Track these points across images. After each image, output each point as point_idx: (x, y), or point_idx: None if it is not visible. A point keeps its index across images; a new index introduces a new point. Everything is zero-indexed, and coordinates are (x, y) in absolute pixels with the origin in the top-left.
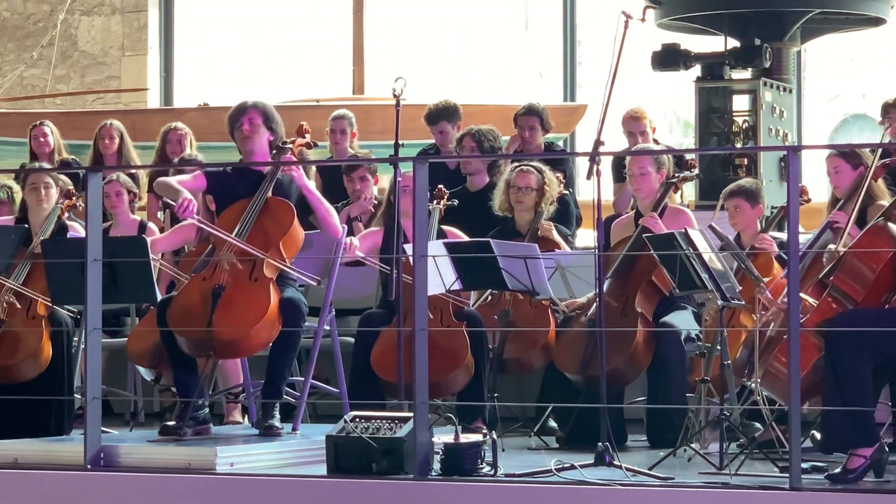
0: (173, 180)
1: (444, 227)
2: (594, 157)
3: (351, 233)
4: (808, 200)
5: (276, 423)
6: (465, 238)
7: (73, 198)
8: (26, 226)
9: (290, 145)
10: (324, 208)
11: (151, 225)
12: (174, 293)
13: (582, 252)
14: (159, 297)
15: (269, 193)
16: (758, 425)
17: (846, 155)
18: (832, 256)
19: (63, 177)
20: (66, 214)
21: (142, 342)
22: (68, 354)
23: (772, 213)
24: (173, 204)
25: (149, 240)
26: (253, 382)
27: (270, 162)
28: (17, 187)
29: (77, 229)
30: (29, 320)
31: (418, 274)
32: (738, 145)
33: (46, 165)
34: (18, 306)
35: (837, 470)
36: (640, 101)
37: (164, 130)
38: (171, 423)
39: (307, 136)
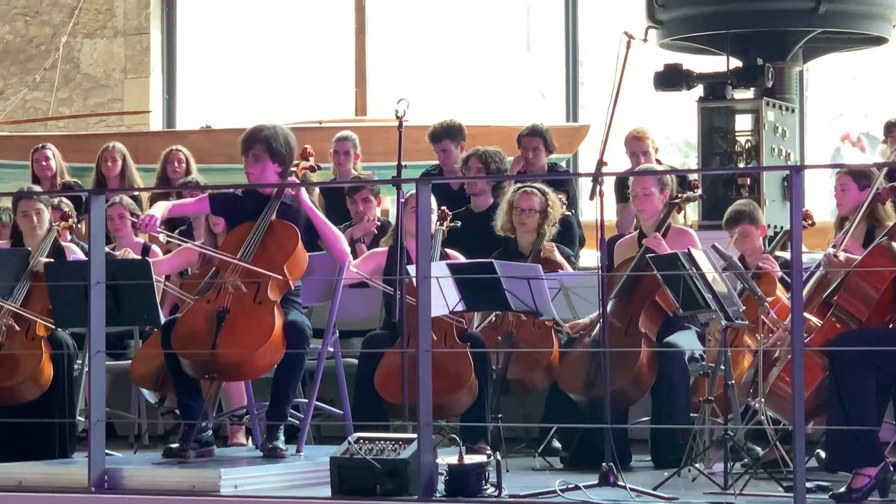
0: (163, 204)
1: (447, 251)
2: (597, 177)
3: (354, 254)
4: (813, 224)
5: (281, 444)
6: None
7: (70, 219)
8: (28, 249)
9: (294, 169)
10: (330, 232)
11: (155, 247)
12: (178, 315)
13: (585, 273)
14: (163, 319)
15: (275, 216)
16: (758, 449)
17: (855, 175)
18: (835, 274)
19: (64, 199)
20: (71, 238)
21: (145, 365)
22: (69, 376)
23: (775, 233)
24: (137, 220)
25: (151, 261)
26: (257, 404)
27: (274, 184)
28: None
29: (74, 251)
30: (28, 342)
31: (422, 295)
32: (741, 165)
33: (37, 189)
34: (17, 328)
35: (842, 489)
36: (642, 121)
37: (165, 153)
38: (175, 445)
39: (311, 159)
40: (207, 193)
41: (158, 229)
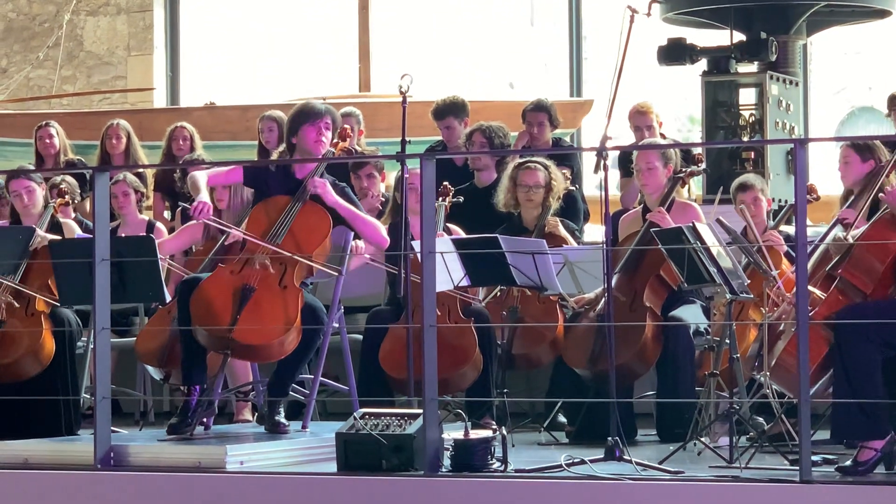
0: (203, 177)
1: (450, 226)
2: (602, 151)
3: None
4: (818, 198)
5: (282, 419)
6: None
7: (66, 195)
8: (33, 226)
9: (333, 150)
10: (362, 222)
11: (159, 225)
12: (199, 274)
13: (590, 248)
14: (168, 297)
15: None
16: (763, 421)
17: (857, 147)
18: (839, 248)
19: (62, 176)
20: (74, 216)
21: (151, 342)
22: (72, 352)
23: (780, 206)
24: (188, 206)
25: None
26: (262, 381)
27: (283, 161)
28: None
29: (72, 227)
30: (28, 318)
31: (426, 271)
32: (745, 139)
33: (30, 167)
34: (17, 305)
35: (848, 462)
36: (645, 95)
37: (170, 130)
38: (176, 420)
39: (349, 139)
40: (241, 165)
41: (212, 217)
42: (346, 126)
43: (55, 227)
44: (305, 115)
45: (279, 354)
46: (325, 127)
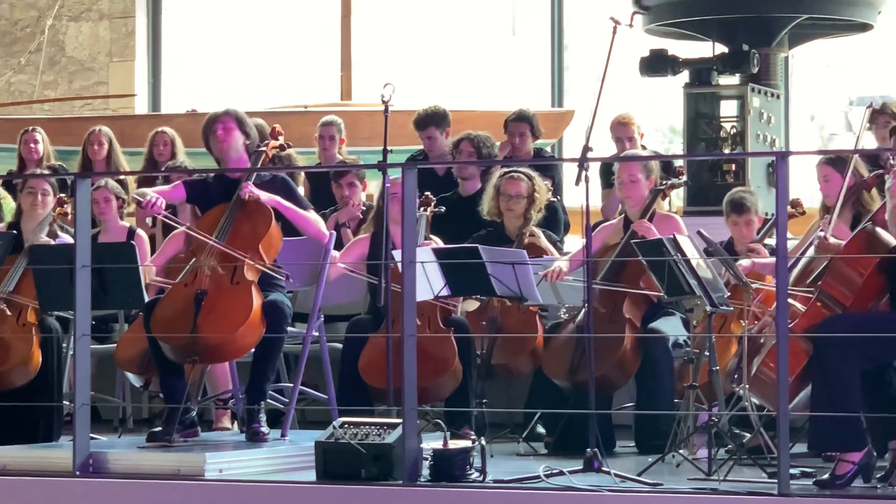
0: (149, 190)
1: (433, 237)
2: (583, 163)
3: (339, 239)
4: (803, 213)
5: (263, 427)
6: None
7: (65, 205)
8: (15, 232)
9: (265, 149)
10: (301, 217)
11: (140, 231)
12: (159, 296)
13: (571, 258)
14: None
15: (248, 197)
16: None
17: (835, 163)
18: (820, 260)
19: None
20: (57, 223)
21: (131, 348)
22: (58, 361)
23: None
24: (143, 200)
25: (151, 265)
26: (242, 388)
27: (258, 168)
28: (3, 193)
29: (67, 240)
30: (19, 327)
31: (407, 280)
32: (727, 151)
33: (45, 171)
34: (9, 313)
35: (826, 476)
36: (628, 106)
37: (151, 135)
38: (158, 428)
39: (280, 138)
40: (182, 181)
41: (163, 211)
42: (275, 126)
43: (51, 236)
44: (205, 126)
45: (245, 349)
46: (222, 129)
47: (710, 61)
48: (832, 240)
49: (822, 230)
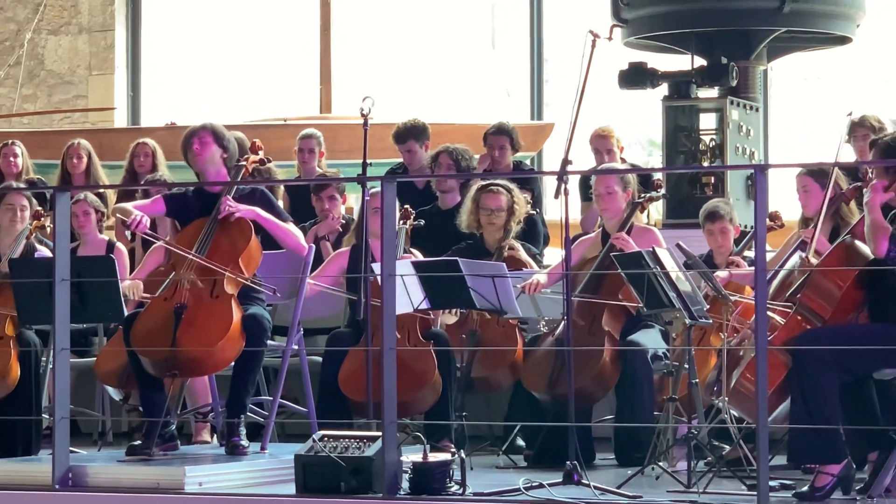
0: (128, 204)
1: (412, 250)
2: (562, 175)
3: (318, 252)
4: (782, 226)
5: (243, 440)
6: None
7: (42, 218)
8: None
9: (245, 163)
10: (280, 229)
11: (120, 245)
12: (139, 310)
13: (550, 271)
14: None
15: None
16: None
17: (816, 175)
18: (801, 272)
19: (34, 198)
20: (34, 235)
21: (110, 362)
22: (37, 375)
23: (742, 232)
24: (128, 220)
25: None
26: (221, 402)
27: (237, 182)
28: None
29: (45, 252)
30: None
31: (386, 293)
32: (706, 163)
33: (21, 185)
34: None
35: (805, 488)
36: (607, 119)
37: (132, 146)
38: (138, 442)
39: (260, 152)
40: (161, 195)
41: (147, 230)
42: (255, 140)
43: (29, 250)
44: (183, 141)
45: (225, 362)
46: (198, 143)
47: (688, 74)
48: (814, 261)
49: (802, 252)
